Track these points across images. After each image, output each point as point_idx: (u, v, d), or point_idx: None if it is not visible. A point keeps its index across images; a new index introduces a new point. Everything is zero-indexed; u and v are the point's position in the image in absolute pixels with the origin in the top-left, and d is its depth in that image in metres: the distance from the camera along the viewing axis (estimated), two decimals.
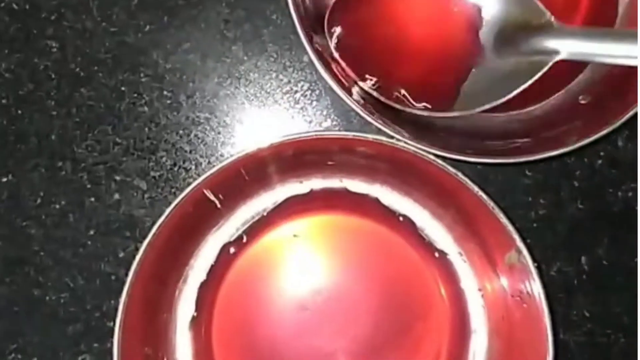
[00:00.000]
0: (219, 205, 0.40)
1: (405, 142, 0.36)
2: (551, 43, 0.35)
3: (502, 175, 0.43)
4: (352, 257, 0.42)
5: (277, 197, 0.42)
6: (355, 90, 0.39)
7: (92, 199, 0.43)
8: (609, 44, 0.33)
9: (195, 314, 0.41)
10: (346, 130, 0.42)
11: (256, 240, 0.41)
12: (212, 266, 0.41)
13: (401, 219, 0.41)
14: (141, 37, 0.44)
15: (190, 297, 0.41)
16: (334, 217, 0.42)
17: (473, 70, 0.38)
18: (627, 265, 0.42)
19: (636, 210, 0.43)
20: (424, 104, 0.38)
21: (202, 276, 0.41)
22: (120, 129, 0.43)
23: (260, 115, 0.44)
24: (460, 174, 0.36)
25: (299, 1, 0.39)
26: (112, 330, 0.35)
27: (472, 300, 0.41)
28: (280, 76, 0.44)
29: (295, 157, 0.39)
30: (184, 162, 0.43)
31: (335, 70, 0.39)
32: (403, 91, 0.38)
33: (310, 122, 0.43)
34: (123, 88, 0.43)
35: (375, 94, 0.39)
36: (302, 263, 0.41)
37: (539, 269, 0.35)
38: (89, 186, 0.43)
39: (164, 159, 0.43)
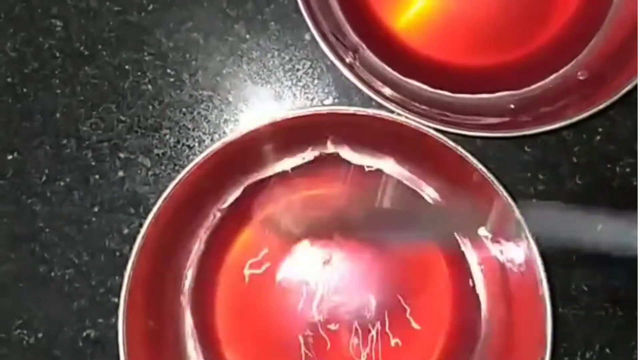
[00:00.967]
0: None
1: (406, 117, 0.37)
2: None
3: (501, 152, 0.43)
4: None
5: (276, 170, 0.42)
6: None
7: (97, 176, 0.43)
8: None
9: (197, 287, 0.41)
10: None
11: (258, 212, 0.42)
12: (213, 238, 0.42)
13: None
14: (145, 16, 0.44)
15: (193, 271, 0.42)
16: (340, 190, 0.42)
17: None
18: None
19: (634, 185, 0.43)
20: None
21: (203, 248, 0.42)
22: (124, 107, 0.44)
23: (263, 93, 0.44)
24: (460, 148, 0.36)
25: None
26: (116, 305, 0.36)
27: (474, 274, 0.41)
28: (282, 54, 0.44)
29: (294, 132, 0.39)
30: (187, 140, 0.44)
31: (336, 46, 0.40)
32: None
33: (312, 99, 0.44)
34: (127, 66, 0.44)
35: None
36: (310, 235, 0.42)
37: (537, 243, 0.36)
38: (93, 163, 0.43)
39: (167, 136, 0.44)
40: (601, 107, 0.37)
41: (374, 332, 0.41)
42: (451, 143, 0.36)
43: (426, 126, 0.36)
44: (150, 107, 0.44)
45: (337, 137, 0.40)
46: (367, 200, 0.41)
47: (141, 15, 0.44)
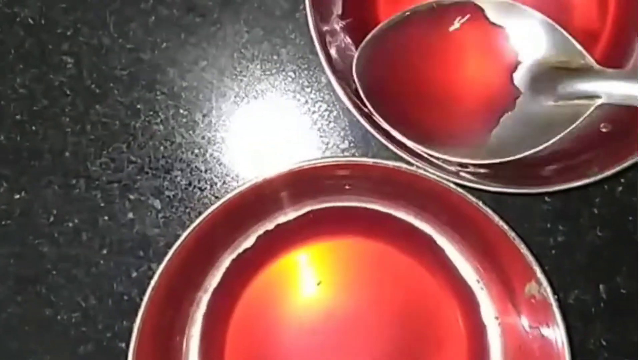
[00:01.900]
0: None
1: (425, 170, 0.36)
2: (591, 87, 0.34)
3: (520, 201, 0.42)
4: (366, 281, 0.41)
5: (290, 218, 0.41)
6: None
7: (106, 218, 0.43)
8: None
9: (206, 333, 0.41)
10: (364, 155, 0.42)
11: (269, 263, 0.41)
12: (223, 287, 0.41)
13: (420, 242, 0.41)
14: (157, 54, 0.43)
15: (202, 319, 0.41)
16: (350, 240, 0.42)
17: (506, 115, 0.37)
18: None
19: None
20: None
21: (213, 298, 0.41)
22: (135, 147, 0.43)
23: (277, 135, 0.43)
24: (480, 203, 0.35)
25: (318, 21, 0.39)
26: (123, 351, 0.36)
27: (490, 330, 0.40)
28: (298, 96, 0.43)
29: (311, 181, 0.38)
30: (198, 182, 0.43)
31: (353, 93, 0.39)
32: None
33: (328, 143, 0.43)
34: (138, 105, 0.43)
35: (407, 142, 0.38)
36: (316, 286, 0.41)
37: (557, 299, 0.35)
38: (102, 204, 0.43)
39: (178, 178, 0.43)
40: (625, 165, 0.36)
41: None
42: (472, 198, 0.35)
43: (444, 179, 0.35)
44: (161, 147, 0.43)
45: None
46: None
47: (154, 54, 0.43)
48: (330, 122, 0.43)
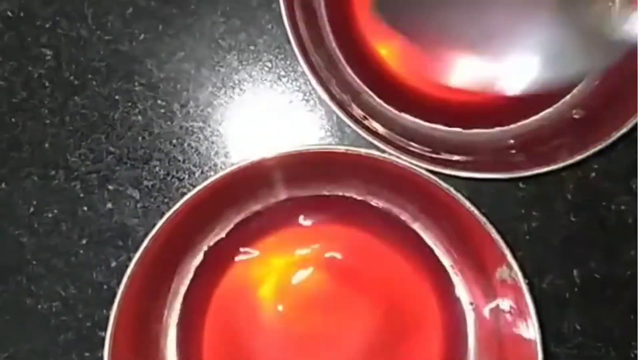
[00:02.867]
0: None
1: (398, 157, 0.36)
2: None
3: (495, 188, 0.43)
4: (342, 267, 0.41)
5: (265, 206, 0.41)
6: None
7: (85, 208, 0.43)
8: None
9: (184, 322, 0.41)
10: (339, 142, 0.43)
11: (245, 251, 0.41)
12: (201, 275, 0.41)
13: (395, 228, 0.41)
14: (135, 45, 0.44)
15: (179, 307, 0.41)
16: (326, 227, 0.42)
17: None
18: (619, 278, 0.42)
19: (629, 224, 0.42)
20: None
21: (191, 286, 0.41)
22: (114, 138, 0.43)
23: (254, 125, 0.43)
24: (452, 189, 0.35)
25: (293, 11, 0.39)
26: (103, 339, 0.35)
27: (465, 315, 0.40)
28: (275, 86, 0.44)
29: (287, 170, 0.39)
30: (177, 172, 0.43)
31: (327, 83, 0.39)
32: None
33: (304, 132, 0.43)
34: (117, 97, 0.43)
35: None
36: (295, 274, 0.41)
37: (530, 283, 0.35)
38: (81, 195, 0.43)
39: (157, 168, 0.43)
40: (595, 150, 0.36)
41: None
42: (444, 184, 0.35)
43: (417, 166, 0.36)
44: (140, 138, 0.43)
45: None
46: None
47: (132, 45, 0.44)
48: (306, 111, 0.44)
